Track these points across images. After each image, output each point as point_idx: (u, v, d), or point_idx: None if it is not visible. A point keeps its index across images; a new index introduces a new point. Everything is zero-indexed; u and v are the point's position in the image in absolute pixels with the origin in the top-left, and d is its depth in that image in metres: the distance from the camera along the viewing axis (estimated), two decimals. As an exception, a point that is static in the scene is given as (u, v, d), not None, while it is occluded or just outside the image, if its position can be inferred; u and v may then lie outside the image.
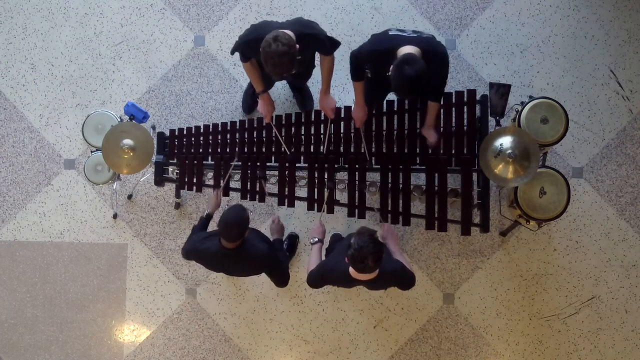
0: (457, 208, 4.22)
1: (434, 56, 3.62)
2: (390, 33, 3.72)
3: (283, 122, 4.23)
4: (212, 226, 3.97)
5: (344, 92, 4.86)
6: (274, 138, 4.23)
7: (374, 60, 3.78)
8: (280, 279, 3.77)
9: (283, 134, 4.22)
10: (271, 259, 3.68)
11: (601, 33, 4.84)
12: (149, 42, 4.97)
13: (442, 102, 4.05)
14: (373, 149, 4.18)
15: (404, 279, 3.53)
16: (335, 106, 4.10)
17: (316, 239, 3.87)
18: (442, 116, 4.11)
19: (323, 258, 3.83)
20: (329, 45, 3.84)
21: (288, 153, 4.19)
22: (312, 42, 3.75)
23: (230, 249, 3.53)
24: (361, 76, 3.89)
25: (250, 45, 3.78)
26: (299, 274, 4.75)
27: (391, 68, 3.48)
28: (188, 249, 3.77)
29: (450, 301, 4.73)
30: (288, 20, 3.82)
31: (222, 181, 4.23)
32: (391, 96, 4.69)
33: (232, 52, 3.98)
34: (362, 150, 4.14)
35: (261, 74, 4.03)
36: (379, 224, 4.43)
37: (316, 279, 3.64)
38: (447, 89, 4.33)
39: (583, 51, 4.84)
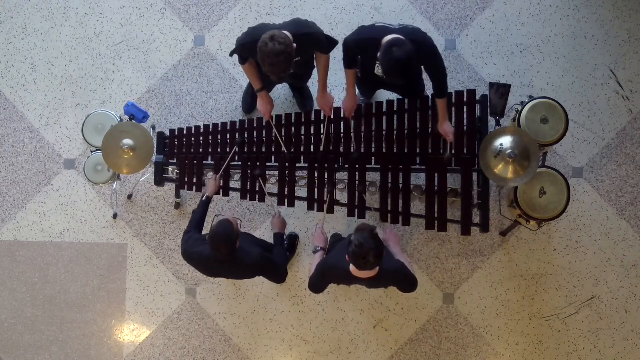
0: (457, 208, 4.22)
1: (421, 46, 3.62)
2: (377, 25, 3.76)
3: (283, 122, 4.23)
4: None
5: (343, 92, 4.86)
6: (273, 138, 4.23)
7: (360, 49, 3.80)
8: (276, 278, 3.75)
9: (283, 134, 4.22)
10: (263, 263, 3.63)
11: (601, 33, 4.84)
12: (149, 42, 4.97)
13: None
14: (373, 149, 4.18)
15: (405, 279, 3.53)
16: (333, 103, 4.11)
17: (318, 248, 3.85)
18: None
19: None
20: (327, 43, 3.84)
21: (286, 152, 4.19)
22: (309, 41, 3.75)
23: (223, 255, 3.50)
24: (352, 64, 3.90)
25: (247, 48, 3.78)
26: (299, 274, 4.75)
27: (379, 54, 3.50)
28: (183, 252, 3.73)
29: (450, 301, 4.73)
30: (285, 22, 3.82)
31: (222, 165, 4.20)
32: (391, 96, 4.70)
33: (231, 55, 3.98)
34: (352, 145, 4.15)
35: (260, 75, 4.03)
36: (379, 223, 4.43)
37: (317, 279, 3.62)
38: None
39: (583, 51, 4.84)
